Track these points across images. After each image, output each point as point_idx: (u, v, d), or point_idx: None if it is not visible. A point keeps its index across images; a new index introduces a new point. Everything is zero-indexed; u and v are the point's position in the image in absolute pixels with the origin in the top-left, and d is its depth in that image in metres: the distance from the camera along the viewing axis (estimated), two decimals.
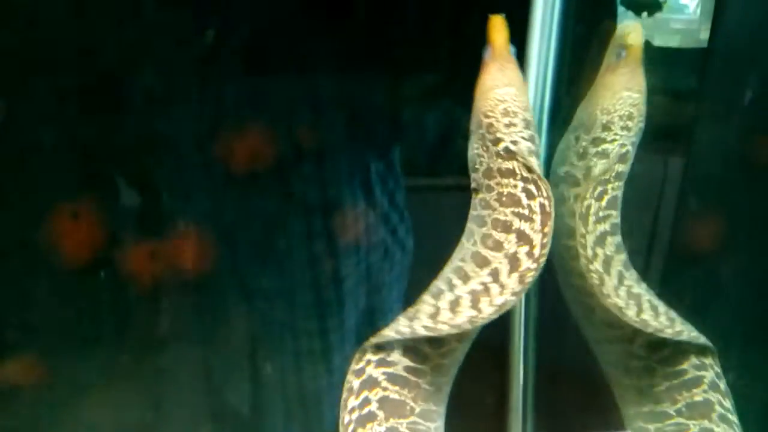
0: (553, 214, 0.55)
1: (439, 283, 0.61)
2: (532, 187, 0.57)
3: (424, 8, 0.73)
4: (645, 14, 0.87)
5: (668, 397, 0.63)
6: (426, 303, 0.60)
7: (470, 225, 0.62)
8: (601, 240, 0.58)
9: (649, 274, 0.90)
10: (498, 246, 0.58)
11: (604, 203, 0.59)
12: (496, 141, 0.59)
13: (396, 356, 0.61)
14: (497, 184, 0.59)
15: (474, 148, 0.62)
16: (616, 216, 0.60)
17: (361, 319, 1.02)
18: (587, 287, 0.57)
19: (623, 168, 0.59)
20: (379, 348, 0.61)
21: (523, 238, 0.57)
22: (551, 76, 0.71)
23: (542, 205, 0.56)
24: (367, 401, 0.60)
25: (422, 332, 0.57)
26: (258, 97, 0.81)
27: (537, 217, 0.56)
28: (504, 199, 0.58)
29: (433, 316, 0.58)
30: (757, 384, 0.86)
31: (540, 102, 0.71)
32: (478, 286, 0.58)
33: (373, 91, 0.83)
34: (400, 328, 0.59)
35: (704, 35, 0.79)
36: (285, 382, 0.98)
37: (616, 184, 0.59)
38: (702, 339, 0.60)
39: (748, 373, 0.83)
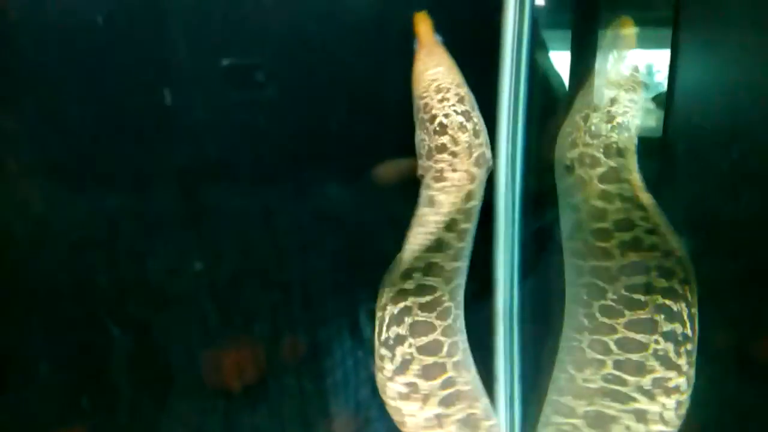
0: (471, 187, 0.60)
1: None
2: (456, 161, 0.61)
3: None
4: None
5: (588, 397, 0.63)
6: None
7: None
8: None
9: None
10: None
11: None
12: (432, 118, 0.62)
13: (428, 391, 0.63)
14: (435, 161, 0.62)
15: (418, 135, 0.65)
16: None
17: None
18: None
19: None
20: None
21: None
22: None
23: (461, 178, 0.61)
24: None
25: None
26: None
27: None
28: (437, 175, 0.62)
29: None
30: None
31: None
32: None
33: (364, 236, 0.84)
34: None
35: None
36: None
37: None
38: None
39: None
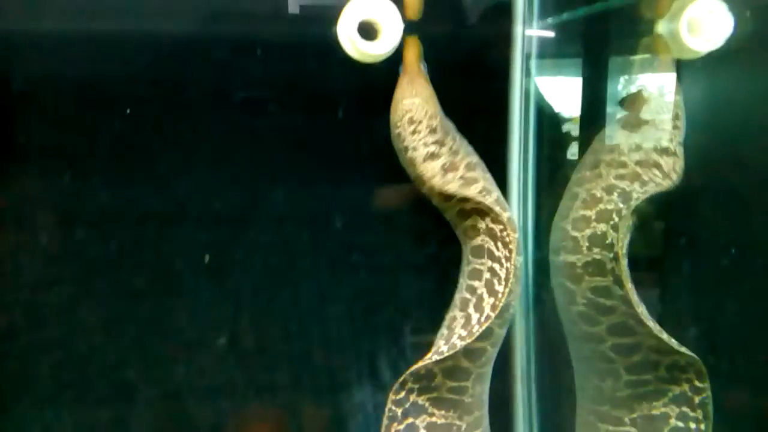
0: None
1: (460, 294, 0.64)
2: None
3: None
4: None
5: (626, 404, 0.63)
6: (454, 318, 0.63)
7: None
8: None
9: None
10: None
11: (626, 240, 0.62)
12: (405, 149, 0.64)
13: (439, 380, 0.61)
14: (428, 189, 0.64)
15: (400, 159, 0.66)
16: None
17: None
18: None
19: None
20: (419, 376, 0.61)
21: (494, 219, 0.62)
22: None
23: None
24: (413, 428, 0.61)
25: (460, 344, 0.58)
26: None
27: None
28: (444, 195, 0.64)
29: (465, 325, 0.60)
30: None
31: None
32: (487, 274, 0.62)
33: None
34: (440, 349, 0.60)
35: None
36: None
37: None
38: (685, 349, 0.60)
39: None
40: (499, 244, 0.62)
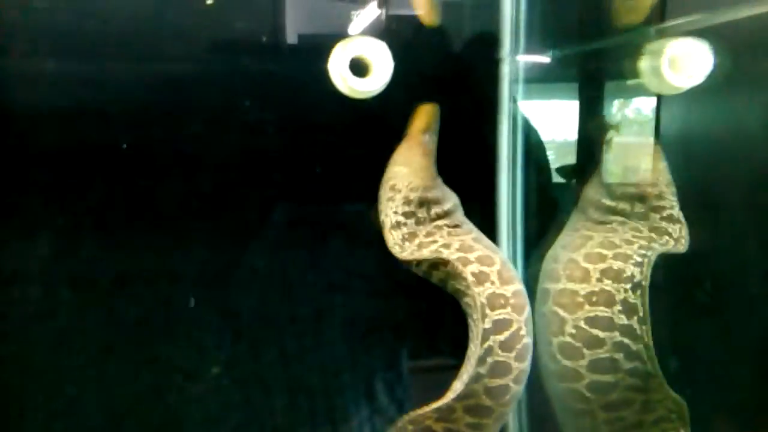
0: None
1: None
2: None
3: None
4: None
5: None
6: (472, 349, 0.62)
7: None
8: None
9: None
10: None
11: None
12: (380, 212, 0.67)
13: (459, 413, 0.61)
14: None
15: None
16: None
17: None
18: None
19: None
20: (438, 409, 0.60)
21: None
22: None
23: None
24: None
25: (469, 371, 0.59)
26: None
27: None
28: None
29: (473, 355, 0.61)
30: None
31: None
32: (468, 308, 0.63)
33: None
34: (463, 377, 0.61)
35: None
36: None
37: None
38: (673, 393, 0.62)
39: None
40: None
